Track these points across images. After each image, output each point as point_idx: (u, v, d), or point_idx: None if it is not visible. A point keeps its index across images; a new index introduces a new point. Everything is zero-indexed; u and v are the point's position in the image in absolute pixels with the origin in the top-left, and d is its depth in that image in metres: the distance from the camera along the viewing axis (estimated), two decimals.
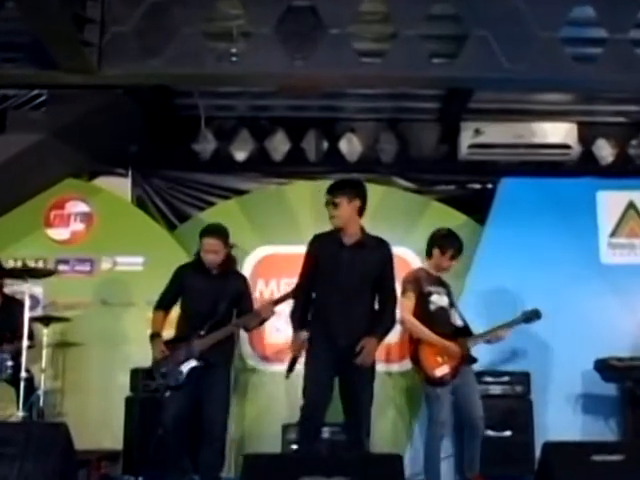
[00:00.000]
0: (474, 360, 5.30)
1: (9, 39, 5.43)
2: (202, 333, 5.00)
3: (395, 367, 6.43)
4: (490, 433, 5.51)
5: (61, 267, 6.70)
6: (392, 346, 6.39)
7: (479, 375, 5.63)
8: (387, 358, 6.44)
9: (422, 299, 5.28)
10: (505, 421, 5.78)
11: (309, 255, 4.80)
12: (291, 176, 7.24)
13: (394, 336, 6.05)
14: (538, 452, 5.03)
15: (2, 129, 6.34)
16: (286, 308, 5.09)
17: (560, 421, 6.07)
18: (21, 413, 5.43)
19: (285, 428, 5.91)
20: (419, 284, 5.30)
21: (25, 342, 5.48)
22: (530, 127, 7.02)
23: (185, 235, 6.78)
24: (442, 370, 5.16)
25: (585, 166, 7.20)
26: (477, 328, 5.46)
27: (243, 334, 6.25)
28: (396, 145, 7.38)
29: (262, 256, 6.76)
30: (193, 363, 4.99)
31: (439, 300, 5.31)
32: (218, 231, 5.19)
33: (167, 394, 4.96)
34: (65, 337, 6.39)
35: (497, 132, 7.00)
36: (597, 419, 6.20)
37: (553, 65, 5.22)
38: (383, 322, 4.69)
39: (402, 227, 6.69)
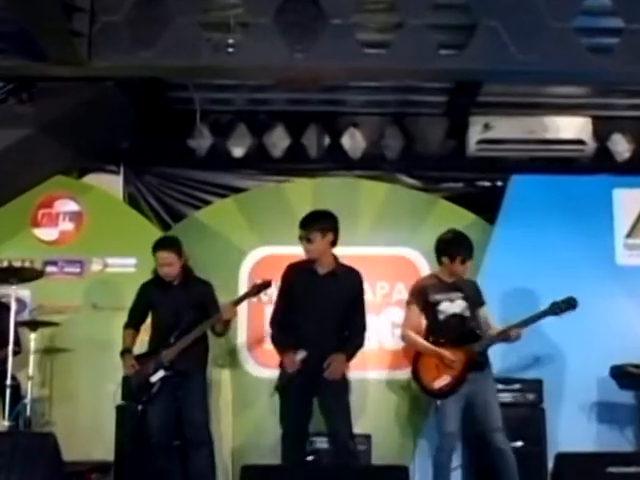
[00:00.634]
0: (480, 366, 5.25)
1: None
2: (171, 342, 5.24)
3: (399, 374, 6.42)
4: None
5: (49, 269, 6.69)
6: (396, 352, 6.39)
7: None
8: (391, 365, 6.44)
9: (429, 309, 5.36)
10: (516, 431, 5.74)
11: (284, 284, 5.23)
12: (291, 173, 7.24)
13: (398, 342, 6.06)
14: (551, 464, 5.04)
15: None
16: None
17: (574, 431, 6.07)
18: (7, 423, 5.45)
19: None
20: (424, 294, 5.37)
21: (11, 348, 5.49)
22: (542, 122, 7.01)
23: (180, 235, 6.71)
24: (442, 381, 5.18)
25: (600, 163, 7.19)
26: None
27: (242, 336, 6.29)
28: (401, 141, 7.36)
29: (261, 257, 6.75)
30: (161, 373, 5.22)
31: (450, 308, 5.32)
32: (170, 243, 5.49)
33: (140, 408, 5.21)
34: (53, 343, 6.39)
35: (507, 127, 6.98)
36: (613, 429, 6.19)
37: (566, 56, 5.21)
38: (351, 341, 5.12)
39: (407, 227, 6.70)
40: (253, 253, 6.75)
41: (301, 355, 4.94)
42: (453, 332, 5.27)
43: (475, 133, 7.03)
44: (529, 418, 5.91)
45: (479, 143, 7.04)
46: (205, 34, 5.24)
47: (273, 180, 7.26)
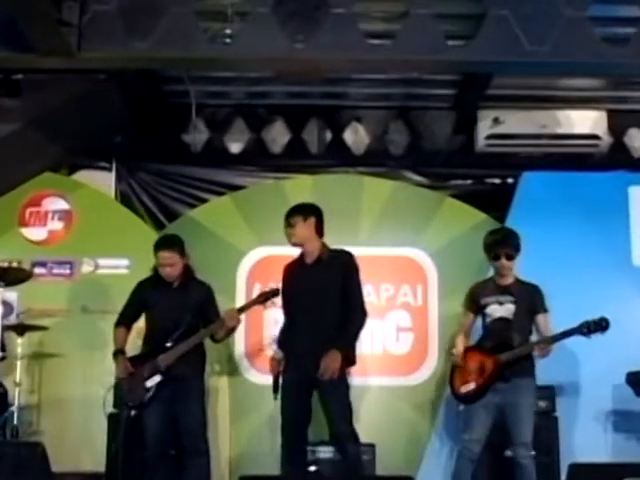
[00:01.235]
0: (503, 377, 5.18)
1: None
2: (168, 346, 5.21)
3: (405, 381, 6.42)
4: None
5: (38, 270, 6.68)
6: (401, 358, 6.39)
7: None
8: (396, 371, 6.43)
9: (480, 313, 5.43)
10: None
11: (282, 284, 5.30)
12: (291, 170, 7.24)
13: (404, 347, 6.04)
14: (564, 475, 5.01)
15: None
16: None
17: (588, 440, 6.08)
18: None
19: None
20: (475, 298, 5.44)
21: None
22: (555, 116, 6.99)
23: None
24: (467, 387, 5.25)
25: (616, 159, 7.19)
26: None
27: (240, 343, 6.27)
28: (407, 136, 7.36)
29: (259, 257, 6.74)
30: (158, 378, 5.20)
31: (496, 311, 5.32)
32: (172, 243, 5.44)
33: (133, 413, 5.18)
34: (42, 347, 6.38)
35: (518, 121, 6.97)
36: (629, 438, 6.18)
37: (580, 47, 5.22)
38: (344, 334, 5.00)
39: (413, 226, 6.69)
40: (251, 254, 6.75)
41: (279, 355, 5.08)
42: (496, 337, 5.29)
43: (484, 128, 7.02)
44: (541, 427, 5.83)
45: (488, 138, 7.03)
46: (201, 24, 5.24)
47: (272, 177, 7.26)
